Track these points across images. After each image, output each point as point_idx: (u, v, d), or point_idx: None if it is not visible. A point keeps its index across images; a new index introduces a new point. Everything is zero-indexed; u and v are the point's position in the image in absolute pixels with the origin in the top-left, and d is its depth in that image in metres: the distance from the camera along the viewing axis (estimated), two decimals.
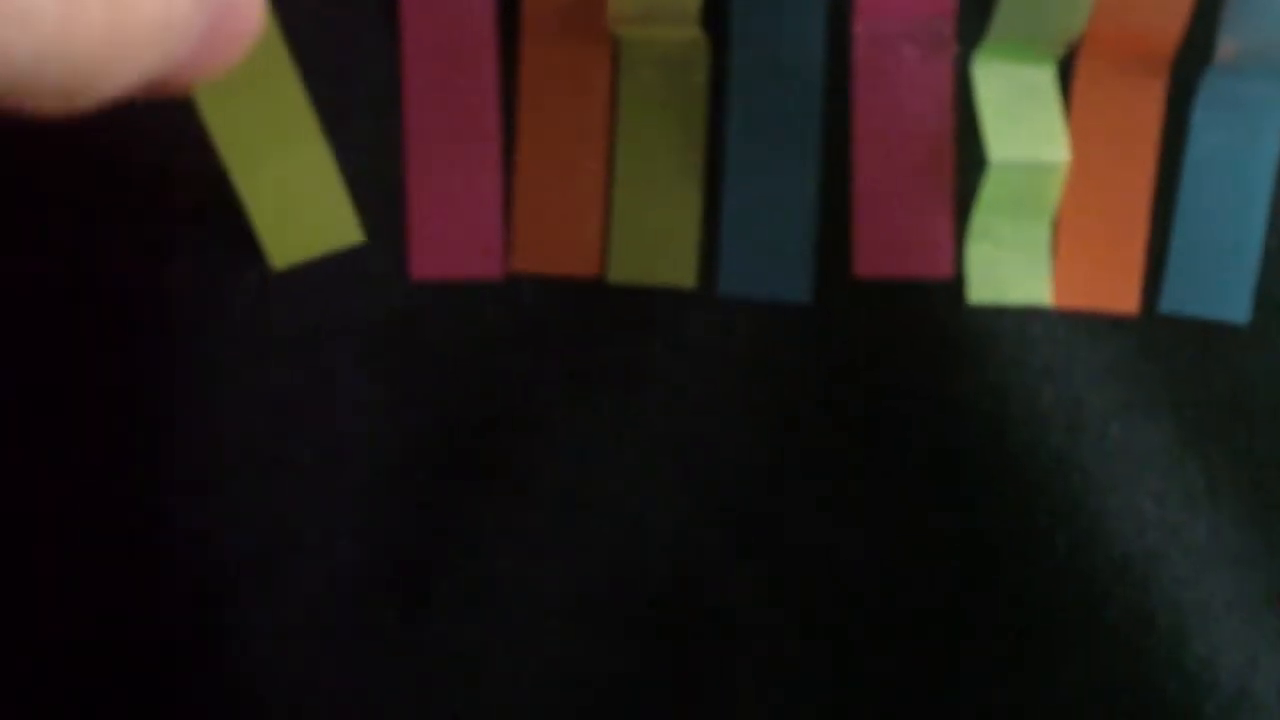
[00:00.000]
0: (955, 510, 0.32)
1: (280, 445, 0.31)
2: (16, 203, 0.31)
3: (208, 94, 0.30)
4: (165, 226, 0.31)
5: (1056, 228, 0.31)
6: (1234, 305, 0.31)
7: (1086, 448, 0.31)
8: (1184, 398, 0.32)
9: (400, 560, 0.32)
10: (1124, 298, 0.31)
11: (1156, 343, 0.31)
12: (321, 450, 0.31)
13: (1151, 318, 0.31)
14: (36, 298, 0.31)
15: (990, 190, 0.30)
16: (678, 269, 0.31)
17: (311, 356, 0.31)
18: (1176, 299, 0.31)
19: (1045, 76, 0.30)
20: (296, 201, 0.31)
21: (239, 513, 0.32)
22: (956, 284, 0.31)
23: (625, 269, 0.31)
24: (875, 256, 0.31)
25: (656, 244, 0.31)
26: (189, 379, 0.31)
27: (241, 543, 0.32)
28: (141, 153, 0.31)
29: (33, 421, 0.32)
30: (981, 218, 0.30)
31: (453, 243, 0.31)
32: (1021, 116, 0.30)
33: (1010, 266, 0.31)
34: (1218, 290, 0.31)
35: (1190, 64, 0.30)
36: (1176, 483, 0.32)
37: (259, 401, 0.31)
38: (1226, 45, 0.30)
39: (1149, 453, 0.32)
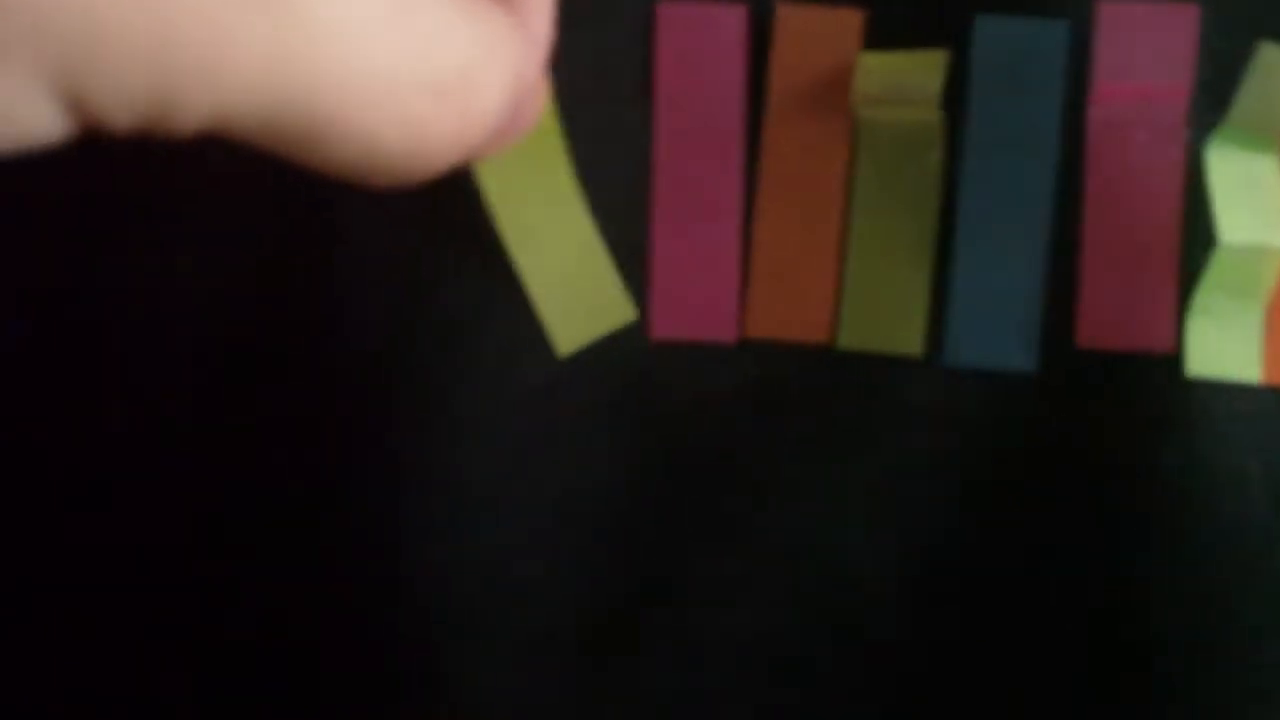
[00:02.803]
0: (1168, 586, 0.32)
1: (515, 492, 0.33)
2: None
3: (489, 173, 0.31)
4: (422, 288, 0.33)
5: (1269, 310, 0.32)
6: None
7: None
8: None
9: (615, 609, 0.33)
10: None
11: None
12: (552, 499, 0.33)
13: None
14: (291, 349, 0.33)
15: (1216, 270, 0.31)
16: (906, 338, 0.32)
17: (553, 408, 0.33)
18: None
19: (1269, 165, 0.31)
20: (573, 280, 0.32)
21: (469, 555, 0.33)
22: (1173, 358, 0.32)
23: (855, 337, 0.32)
24: (1099, 329, 0.32)
25: (887, 313, 0.32)
26: (439, 426, 0.33)
27: (467, 584, 0.33)
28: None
29: (276, 454, 0.33)
30: (1204, 295, 0.31)
31: (692, 306, 0.32)
32: (1248, 202, 0.31)
33: (1226, 343, 0.32)
34: None
35: None
36: None
37: (499, 449, 0.33)
38: None
39: None
